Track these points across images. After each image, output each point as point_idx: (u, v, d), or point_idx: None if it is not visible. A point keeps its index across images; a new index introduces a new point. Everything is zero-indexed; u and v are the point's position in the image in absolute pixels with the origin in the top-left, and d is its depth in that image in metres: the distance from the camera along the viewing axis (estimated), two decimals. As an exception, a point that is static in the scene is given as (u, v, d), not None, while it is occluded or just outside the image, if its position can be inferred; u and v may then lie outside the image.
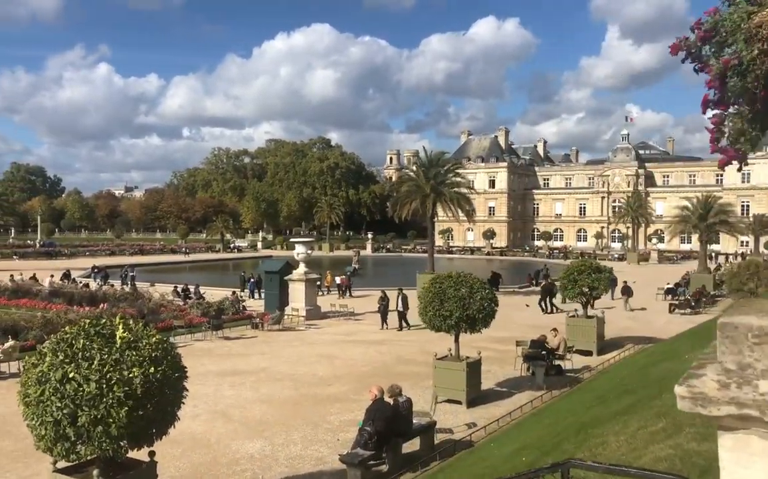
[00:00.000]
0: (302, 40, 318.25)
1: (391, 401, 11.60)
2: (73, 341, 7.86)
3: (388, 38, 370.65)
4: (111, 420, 7.52)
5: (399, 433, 11.41)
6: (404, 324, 28.10)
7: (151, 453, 8.52)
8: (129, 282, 42.57)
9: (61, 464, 8.30)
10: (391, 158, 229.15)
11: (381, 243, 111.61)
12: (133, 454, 8.40)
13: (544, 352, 19.07)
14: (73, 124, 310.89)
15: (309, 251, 32.75)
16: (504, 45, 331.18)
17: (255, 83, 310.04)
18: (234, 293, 34.79)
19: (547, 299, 32.56)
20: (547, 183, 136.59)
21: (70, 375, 7.52)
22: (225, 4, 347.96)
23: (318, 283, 35.80)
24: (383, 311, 28.68)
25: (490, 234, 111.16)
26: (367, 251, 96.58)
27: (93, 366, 7.61)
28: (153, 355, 7.98)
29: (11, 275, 40.70)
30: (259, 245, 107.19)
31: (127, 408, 7.55)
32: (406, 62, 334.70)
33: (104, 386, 7.52)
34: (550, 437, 10.87)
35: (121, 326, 8.14)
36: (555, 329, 20.45)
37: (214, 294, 35.51)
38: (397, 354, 22.58)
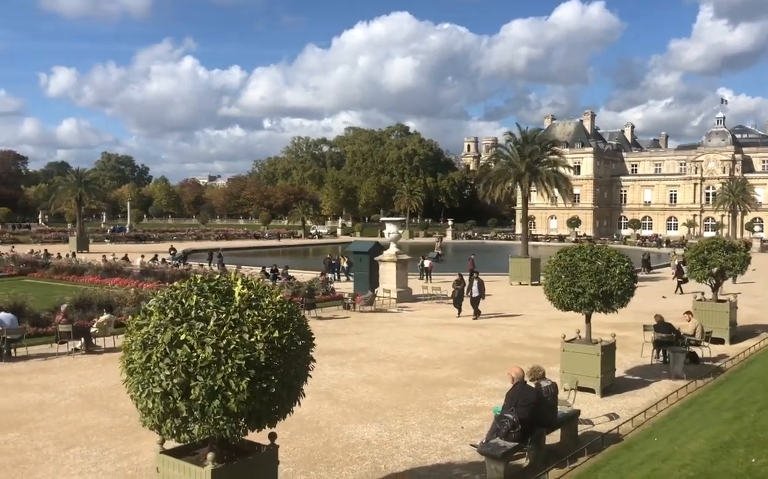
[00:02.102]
0: (381, 29, 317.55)
1: (533, 385, 9.92)
2: (184, 298, 6.56)
3: (468, 25, 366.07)
4: (229, 393, 6.18)
5: (542, 422, 9.73)
6: (478, 312, 25.12)
7: (272, 436, 7.17)
8: (217, 263, 42.39)
9: (169, 444, 7.07)
10: (468, 146, 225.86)
11: (460, 231, 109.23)
12: (250, 436, 7.09)
13: (676, 337, 16.93)
14: (160, 116, 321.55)
15: (400, 231, 31.30)
16: (588, 29, 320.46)
17: (334, 73, 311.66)
18: (323, 274, 33.83)
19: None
20: (635, 169, 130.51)
21: (182, 337, 6.21)
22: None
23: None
24: (458, 296, 25.86)
25: (574, 222, 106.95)
26: (448, 238, 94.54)
27: (208, 328, 6.28)
28: (277, 316, 6.59)
29: (104, 256, 41.26)
30: (339, 231, 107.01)
31: (248, 379, 6.19)
32: (485, 49, 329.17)
33: (222, 351, 6.18)
34: (733, 434, 8.93)
35: (239, 282, 6.80)
36: (689, 313, 18.19)
37: (302, 276, 34.64)
38: (503, 338, 20.84)
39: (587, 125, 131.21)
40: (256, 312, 6.48)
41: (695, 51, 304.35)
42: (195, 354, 6.15)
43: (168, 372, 6.14)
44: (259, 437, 7.15)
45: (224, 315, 6.35)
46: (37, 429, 11.63)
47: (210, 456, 6.52)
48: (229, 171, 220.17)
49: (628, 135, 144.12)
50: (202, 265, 40.63)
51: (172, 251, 51.41)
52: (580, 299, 13.45)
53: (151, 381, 6.25)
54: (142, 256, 41.20)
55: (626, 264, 13.66)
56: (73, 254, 47.29)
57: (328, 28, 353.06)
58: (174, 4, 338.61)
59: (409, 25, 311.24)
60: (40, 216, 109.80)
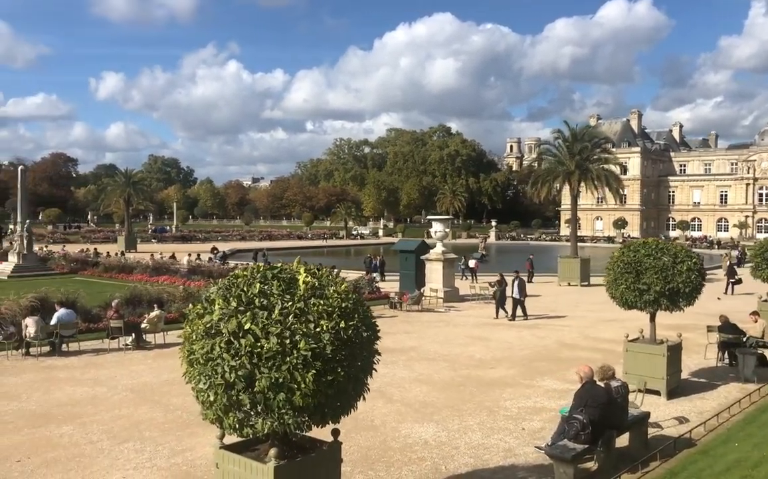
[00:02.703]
0: (424, 30, 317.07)
1: (602, 384, 9.40)
2: (247, 286, 6.29)
3: (511, 25, 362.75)
4: (295, 386, 5.88)
5: (612, 424, 9.20)
6: (520, 313, 24.15)
7: (335, 432, 6.85)
8: (263, 263, 42.47)
9: (227, 439, 6.81)
10: (511, 146, 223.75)
11: (503, 232, 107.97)
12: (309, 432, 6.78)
13: (743, 339, 16.13)
14: (205, 119, 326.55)
15: (447, 230, 30.84)
16: (634, 27, 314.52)
17: (375, 75, 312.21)
18: (368, 273, 33.59)
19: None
20: (684, 169, 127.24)
21: (246, 327, 5.93)
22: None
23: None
24: (500, 297, 24.64)
25: (621, 223, 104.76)
26: (491, 239, 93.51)
27: (273, 316, 5.99)
28: (343, 306, 6.27)
29: (151, 255, 41.79)
30: (380, 232, 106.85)
31: (314, 372, 5.88)
32: (529, 48, 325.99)
33: (287, 341, 5.88)
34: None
35: (302, 270, 6.50)
36: (756, 314, 17.32)
37: (346, 276, 34.41)
38: (556, 339, 20.22)
39: (634, 124, 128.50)
40: (321, 301, 6.17)
41: (747, 48, 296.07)
42: (259, 344, 5.87)
43: (233, 363, 5.87)
44: (317, 433, 6.85)
45: (289, 304, 6.06)
46: (91, 423, 11.56)
47: (272, 452, 6.23)
48: (271, 173, 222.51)
49: (676, 134, 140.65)
50: (246, 264, 40.74)
51: (214, 251, 52.10)
52: (644, 296, 12.83)
53: (213, 372, 5.98)
54: (189, 255, 41.59)
55: (694, 260, 12.98)
56: (122, 253, 48.09)
57: (370, 30, 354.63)
58: (219, 9, 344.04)
59: (451, 26, 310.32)
60: (89, 217, 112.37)
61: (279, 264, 6.79)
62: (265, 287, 6.23)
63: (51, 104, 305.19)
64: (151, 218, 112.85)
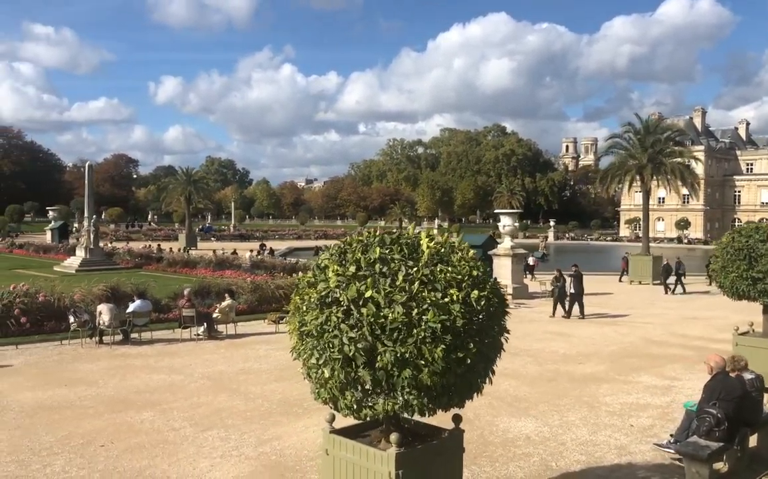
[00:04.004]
0: (478, 31, 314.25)
1: (733, 375, 8.44)
2: (364, 251, 5.63)
3: (567, 24, 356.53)
4: (422, 362, 5.20)
5: (746, 420, 8.24)
6: (575, 311, 22.58)
7: (457, 418, 6.15)
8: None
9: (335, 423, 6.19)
10: (567, 146, 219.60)
11: (561, 232, 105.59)
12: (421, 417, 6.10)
13: None
14: (260, 122, 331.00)
15: (516, 224, 29.84)
16: (696, 24, 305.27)
17: (429, 76, 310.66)
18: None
19: None
20: (751, 169, 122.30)
21: (367, 295, 5.28)
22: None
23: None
24: (558, 294, 22.95)
25: (684, 224, 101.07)
26: (550, 239, 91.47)
27: (397, 283, 5.32)
28: (473, 274, 5.56)
29: (213, 251, 41.97)
30: (435, 231, 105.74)
31: (443, 347, 5.19)
32: (585, 48, 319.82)
33: (414, 312, 5.21)
34: None
35: (424, 236, 5.81)
36: None
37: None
38: (641, 335, 19.08)
39: (697, 122, 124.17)
40: (449, 268, 5.47)
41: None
42: (382, 314, 5.21)
43: (351, 335, 5.22)
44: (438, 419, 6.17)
45: (413, 270, 5.38)
46: (171, 410, 11.16)
47: (394, 437, 5.56)
48: (324, 175, 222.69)
49: (742, 132, 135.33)
50: (307, 260, 40.51)
51: (262, 248, 52.09)
52: (759, 285, 11.75)
53: (329, 345, 5.36)
54: (251, 250, 41.64)
55: (816, 246, 11.81)
56: (185, 250, 48.53)
57: (423, 31, 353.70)
58: (275, 13, 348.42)
59: (506, 26, 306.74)
60: (149, 216, 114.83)
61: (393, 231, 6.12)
62: (386, 252, 5.57)
63: (112, 108, 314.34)
64: (209, 217, 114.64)
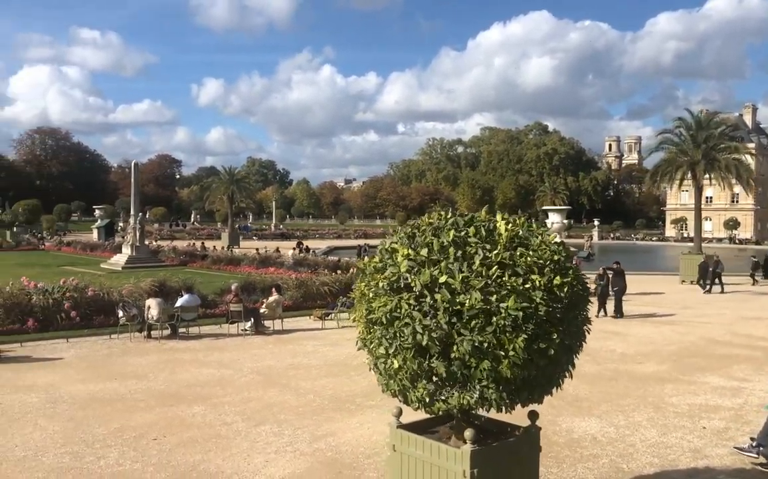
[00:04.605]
0: (519, 29, 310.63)
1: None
2: (436, 234, 5.28)
3: (610, 21, 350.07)
4: (501, 353, 4.81)
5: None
6: (610, 310, 21.69)
7: (533, 415, 5.75)
8: (366, 256, 42.12)
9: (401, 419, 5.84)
10: (610, 145, 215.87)
11: (605, 232, 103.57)
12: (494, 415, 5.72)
13: None
14: (300, 123, 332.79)
15: (564, 221, 29.16)
16: (746, 19, 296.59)
17: (468, 75, 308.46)
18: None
19: None
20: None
21: (441, 280, 4.92)
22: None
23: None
24: (602, 292, 21.92)
25: (732, 224, 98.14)
26: (594, 238, 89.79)
27: (474, 268, 4.95)
28: (555, 259, 5.16)
29: (256, 249, 42.13)
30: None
31: (525, 336, 4.80)
32: (629, 45, 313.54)
33: (493, 298, 4.83)
34: None
35: (500, 218, 5.43)
36: None
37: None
38: (701, 335, 18.30)
39: (747, 119, 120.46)
40: (530, 252, 5.08)
41: None
42: (458, 301, 4.85)
43: (425, 322, 4.87)
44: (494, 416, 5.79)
45: (492, 254, 5.00)
46: (222, 405, 10.97)
47: (469, 433, 5.18)
48: (363, 175, 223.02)
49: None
50: (349, 259, 40.39)
51: (299, 245, 52.26)
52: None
53: (400, 333, 5.01)
54: (294, 248, 41.66)
55: None
56: (228, 248, 48.87)
57: (463, 30, 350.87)
58: (315, 14, 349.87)
59: (547, 24, 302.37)
60: (192, 216, 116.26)
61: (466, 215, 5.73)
62: (459, 235, 5.20)
63: (156, 111, 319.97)
64: (250, 217, 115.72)
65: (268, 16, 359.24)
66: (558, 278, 5.01)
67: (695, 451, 8.71)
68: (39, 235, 63.03)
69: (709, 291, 29.61)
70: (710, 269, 30.37)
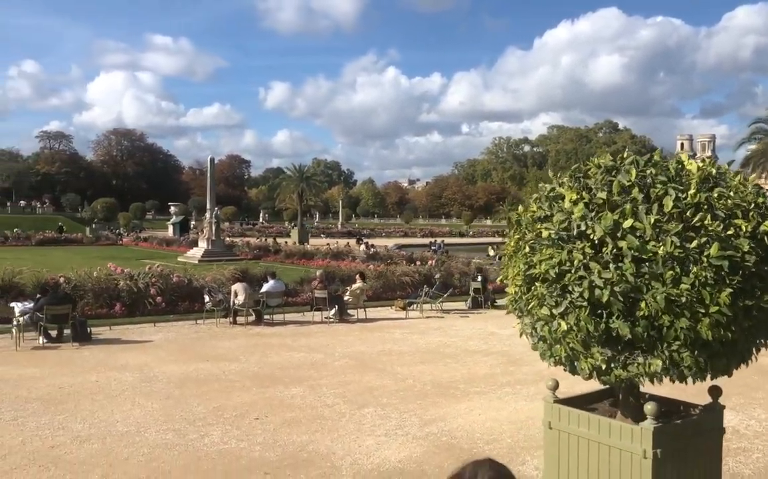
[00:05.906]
0: (587, 27, 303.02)
1: None
2: (613, 173, 4.56)
3: (684, 16, 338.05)
4: (701, 310, 4.06)
5: None
6: None
7: (716, 390, 4.96)
8: (440, 252, 41.41)
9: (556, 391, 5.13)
10: (682, 144, 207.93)
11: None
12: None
13: None
14: (364, 125, 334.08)
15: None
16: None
17: (534, 75, 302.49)
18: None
19: None
20: None
21: (625, 225, 4.20)
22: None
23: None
24: None
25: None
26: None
27: (666, 210, 4.21)
28: (759, 202, 4.37)
29: (328, 244, 42.02)
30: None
31: (730, 290, 4.03)
32: (703, 40, 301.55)
33: (692, 245, 4.08)
34: None
35: (685, 157, 4.66)
36: None
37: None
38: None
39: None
40: (731, 193, 4.30)
41: None
42: (649, 248, 4.12)
43: (606, 275, 4.16)
44: (652, 389, 5.02)
45: (690, 193, 4.25)
46: (320, 387, 10.49)
47: (650, 407, 4.45)
48: (426, 176, 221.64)
49: None
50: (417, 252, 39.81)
51: (359, 242, 52.25)
52: None
53: (572, 289, 4.32)
54: (365, 243, 41.31)
55: None
56: (300, 242, 49.03)
57: (529, 29, 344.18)
58: (380, 16, 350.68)
59: (617, 21, 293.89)
60: (260, 215, 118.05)
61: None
62: (639, 175, 4.46)
63: (225, 114, 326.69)
64: (317, 216, 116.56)
65: (333, 19, 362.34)
66: (765, 224, 4.22)
67: None
68: (117, 231, 64.94)
69: None
70: None
